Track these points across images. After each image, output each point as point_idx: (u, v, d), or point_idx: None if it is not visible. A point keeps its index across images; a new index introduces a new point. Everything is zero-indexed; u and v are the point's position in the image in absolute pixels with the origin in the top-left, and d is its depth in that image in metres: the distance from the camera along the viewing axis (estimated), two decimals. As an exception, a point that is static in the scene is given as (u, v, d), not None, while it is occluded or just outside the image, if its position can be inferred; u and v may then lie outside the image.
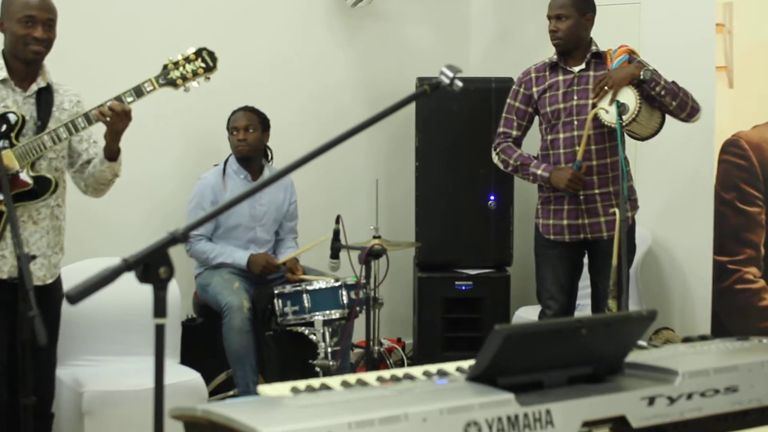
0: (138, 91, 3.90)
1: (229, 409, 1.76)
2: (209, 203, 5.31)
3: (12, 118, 3.81)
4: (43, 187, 3.86)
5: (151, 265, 1.90)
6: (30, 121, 3.87)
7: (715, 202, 4.81)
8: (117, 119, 3.85)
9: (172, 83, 3.98)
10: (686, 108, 4.72)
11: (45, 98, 3.93)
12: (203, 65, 4.03)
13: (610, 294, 4.51)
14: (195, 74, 4.01)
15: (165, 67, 3.98)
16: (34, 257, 3.53)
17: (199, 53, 4.03)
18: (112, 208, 5.39)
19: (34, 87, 3.91)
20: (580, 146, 4.70)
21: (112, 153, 3.97)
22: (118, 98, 3.86)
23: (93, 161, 4.07)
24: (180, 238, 1.93)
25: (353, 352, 5.69)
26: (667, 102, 4.67)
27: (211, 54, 4.06)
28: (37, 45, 3.82)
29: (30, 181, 3.82)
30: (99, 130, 3.97)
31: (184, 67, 3.99)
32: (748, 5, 4.69)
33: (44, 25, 3.83)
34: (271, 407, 1.84)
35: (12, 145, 3.80)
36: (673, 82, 4.69)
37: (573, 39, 4.81)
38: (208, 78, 4.07)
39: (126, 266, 1.88)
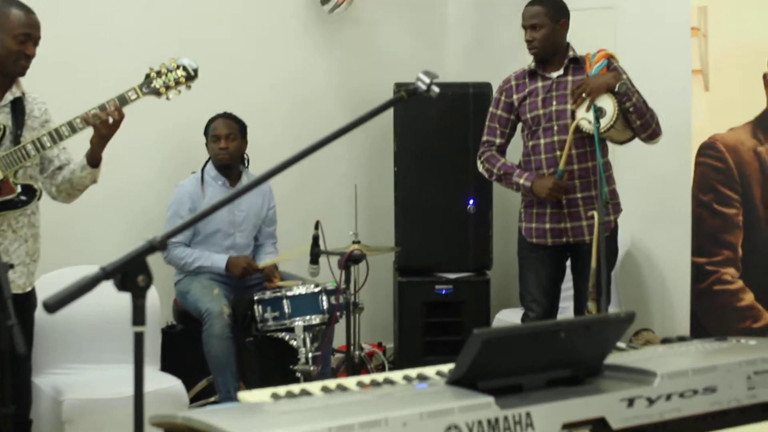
0: (122, 99, 3.95)
1: (209, 416, 1.76)
2: (187, 211, 5.29)
3: None
4: (28, 196, 3.90)
5: (129, 274, 1.89)
6: (6, 131, 3.88)
7: (692, 204, 4.83)
8: (107, 125, 3.89)
9: (156, 92, 4.06)
10: (648, 129, 4.72)
11: (18, 107, 3.95)
12: (185, 74, 4.12)
13: (590, 296, 4.52)
14: (177, 83, 4.09)
15: (147, 76, 4.04)
16: (11, 266, 3.53)
17: (181, 65, 4.12)
18: (90, 217, 5.39)
19: (9, 96, 3.93)
20: (562, 152, 4.70)
21: (94, 160, 4.01)
22: (102, 107, 3.89)
23: (68, 167, 4.09)
24: (158, 246, 1.92)
25: (334, 357, 5.69)
26: (633, 119, 4.66)
27: (192, 66, 4.16)
28: (27, 61, 3.89)
29: (18, 189, 3.86)
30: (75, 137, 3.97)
31: (166, 75, 4.06)
32: (722, 9, 4.72)
33: (35, 43, 3.91)
34: (252, 413, 1.84)
35: None
36: (644, 101, 4.69)
37: (549, 47, 4.81)
38: (189, 87, 4.14)
39: (104, 275, 1.88)
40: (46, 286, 4.52)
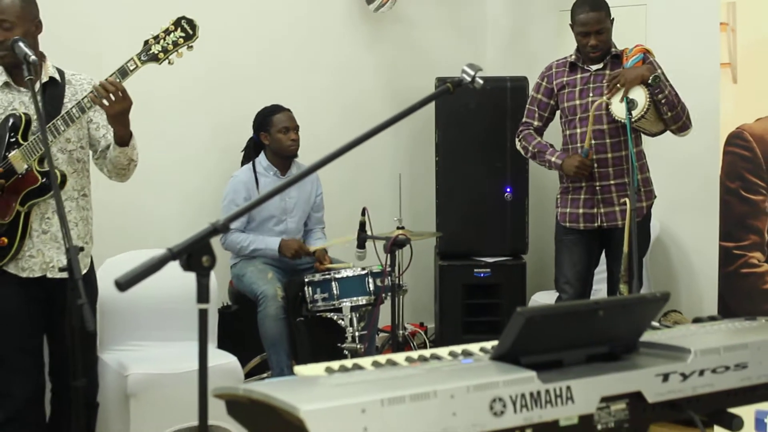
0: (122, 72, 3.63)
1: (268, 388, 1.77)
2: (242, 199, 5.31)
3: (16, 119, 3.69)
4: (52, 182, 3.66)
5: (194, 255, 1.90)
6: (31, 120, 3.70)
7: (720, 192, 4.79)
8: (112, 101, 3.59)
9: (154, 58, 3.66)
10: (678, 122, 4.72)
11: (51, 92, 3.74)
12: (183, 35, 3.68)
13: (622, 279, 4.51)
14: (176, 45, 3.67)
15: (146, 42, 3.67)
16: (82, 249, 3.52)
17: (178, 23, 3.69)
18: (146, 202, 5.42)
19: (38, 84, 3.62)
20: (596, 141, 4.71)
21: (121, 138, 3.75)
22: (101, 84, 3.61)
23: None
24: (221, 228, 1.94)
25: (379, 336, 5.70)
26: (664, 111, 4.65)
27: (190, 22, 3.70)
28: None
29: (41, 178, 3.68)
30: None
31: (164, 39, 3.66)
32: (750, 5, 4.66)
33: (2, 27, 3.63)
34: (308, 386, 1.85)
35: (19, 145, 3.67)
36: (676, 94, 4.67)
37: (608, 46, 4.85)
38: (191, 47, 3.71)
39: (171, 255, 1.89)
40: (111, 269, 4.58)
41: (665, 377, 1.99)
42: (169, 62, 3.71)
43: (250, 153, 5.51)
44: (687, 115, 4.73)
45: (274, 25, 6.03)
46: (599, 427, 1.92)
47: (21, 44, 3.49)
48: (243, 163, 5.51)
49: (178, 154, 5.61)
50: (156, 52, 3.66)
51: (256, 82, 5.85)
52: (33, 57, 3.43)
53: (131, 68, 3.64)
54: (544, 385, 1.86)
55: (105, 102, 3.60)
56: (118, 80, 3.61)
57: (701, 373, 2.04)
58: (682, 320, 5.53)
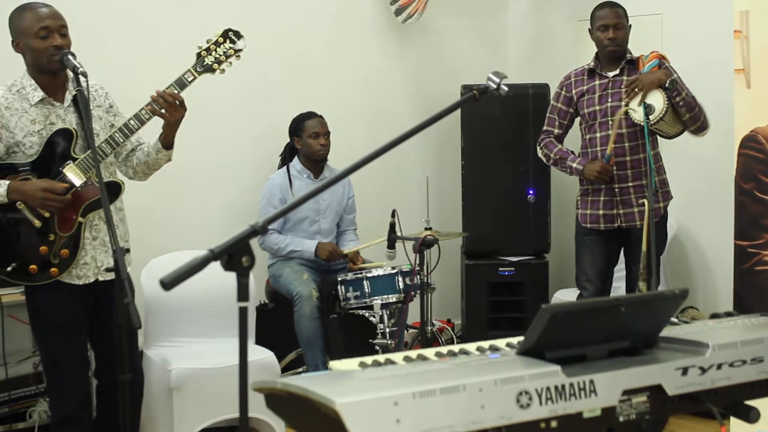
0: (180, 83, 3.69)
1: (305, 381, 1.77)
2: (278, 201, 5.33)
3: (65, 133, 3.63)
4: (112, 192, 3.69)
5: (235, 255, 1.90)
6: (78, 129, 3.66)
7: (735, 192, 4.74)
8: (172, 110, 3.66)
9: (209, 69, 3.74)
10: (697, 122, 4.69)
11: (81, 103, 3.62)
12: (231, 45, 3.77)
13: (641, 277, 4.49)
14: (227, 55, 3.76)
15: (199, 55, 3.74)
16: (128, 250, 3.54)
17: (225, 35, 3.78)
18: (187, 206, 5.45)
19: (68, 96, 3.68)
20: (615, 144, 4.69)
21: (167, 143, 3.80)
22: (160, 95, 3.66)
23: (142, 149, 3.89)
24: (260, 230, 1.94)
25: (408, 332, 5.69)
26: (683, 113, 4.63)
27: (237, 33, 3.80)
28: (60, 52, 3.55)
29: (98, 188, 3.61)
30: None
31: (215, 51, 3.74)
32: (762, 13, 4.62)
33: (59, 32, 3.57)
34: (343, 380, 1.85)
35: (73, 159, 3.61)
36: (693, 96, 4.64)
37: (625, 45, 4.82)
38: (239, 56, 3.80)
39: (213, 256, 1.89)
40: (155, 269, 4.61)
41: (684, 371, 1.98)
42: (221, 72, 3.77)
43: (286, 157, 5.53)
44: (705, 115, 4.71)
45: (308, 38, 6.05)
46: (621, 419, 1.91)
47: (70, 57, 3.49)
48: (280, 167, 5.53)
49: (218, 160, 5.64)
50: (210, 63, 3.73)
51: (291, 91, 5.87)
52: (82, 69, 3.43)
53: (189, 80, 3.70)
54: (569, 378, 1.85)
55: (164, 112, 3.65)
56: (176, 91, 3.65)
57: (719, 366, 2.02)
58: (699, 316, 5.48)
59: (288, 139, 5.54)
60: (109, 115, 3.80)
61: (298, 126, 5.47)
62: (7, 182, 3.51)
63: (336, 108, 5.92)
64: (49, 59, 3.55)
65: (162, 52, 5.18)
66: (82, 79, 3.42)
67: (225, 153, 5.68)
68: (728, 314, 2.51)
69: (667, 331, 2.15)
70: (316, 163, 5.45)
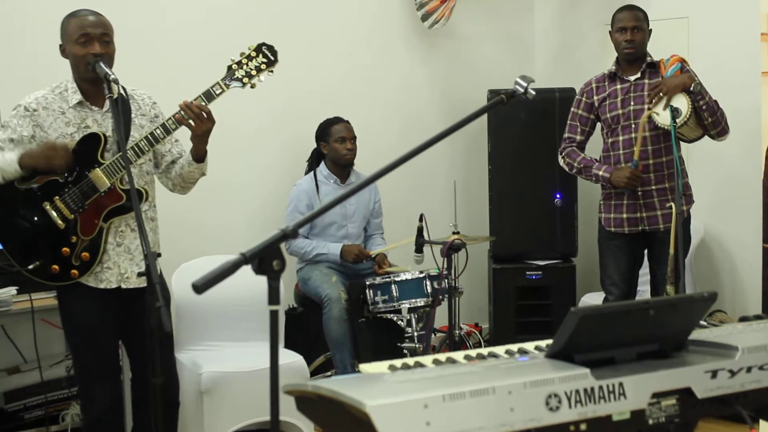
0: (208, 95, 3.64)
1: (336, 384, 1.77)
2: (305, 206, 5.34)
3: (95, 137, 3.62)
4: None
5: (266, 259, 1.91)
6: (112, 136, 3.62)
7: (763, 195, 4.71)
8: (198, 121, 3.61)
9: (239, 82, 3.69)
10: (718, 127, 4.66)
11: (122, 109, 3.62)
12: (265, 60, 3.71)
13: (668, 280, 4.46)
14: (259, 70, 3.71)
15: (229, 68, 3.69)
16: (159, 255, 3.54)
17: (258, 49, 3.72)
18: (216, 212, 5.48)
19: (107, 102, 3.61)
20: (638, 149, 4.66)
21: (199, 155, 3.75)
22: (187, 105, 3.62)
23: (178, 161, 3.86)
24: (290, 234, 1.94)
25: (435, 335, 5.69)
26: (705, 117, 4.60)
27: (271, 48, 3.73)
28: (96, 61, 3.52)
29: (123, 195, 3.63)
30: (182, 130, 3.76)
31: (247, 64, 3.69)
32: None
33: (99, 40, 3.54)
34: (373, 383, 1.85)
35: (99, 164, 3.60)
36: (715, 101, 4.62)
37: (643, 48, 4.80)
38: (272, 72, 3.74)
39: (244, 260, 1.89)
40: (186, 274, 4.63)
41: (714, 374, 1.97)
42: (252, 86, 3.73)
43: (313, 162, 5.55)
44: (725, 120, 4.68)
45: (336, 45, 6.07)
46: (650, 421, 1.90)
47: (101, 64, 3.50)
48: (307, 172, 5.54)
49: (247, 166, 5.66)
50: (240, 76, 3.68)
51: (319, 97, 5.89)
52: (114, 76, 3.45)
53: (217, 92, 3.65)
54: (598, 381, 1.84)
55: (192, 123, 3.63)
56: (203, 103, 3.62)
57: (749, 369, 2.01)
58: (727, 320, 5.44)
59: (315, 145, 5.56)
60: (152, 125, 3.73)
61: (324, 131, 5.48)
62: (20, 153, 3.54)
63: (364, 113, 5.94)
64: (86, 67, 3.55)
65: (189, 64, 5.23)
66: (114, 86, 3.44)
67: (253, 158, 5.70)
68: (757, 317, 2.49)
69: (695, 334, 2.14)
70: (342, 167, 5.46)
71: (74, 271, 3.63)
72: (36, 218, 3.61)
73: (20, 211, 3.61)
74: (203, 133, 3.67)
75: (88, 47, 3.54)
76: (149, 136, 3.62)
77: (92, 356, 3.71)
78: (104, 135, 3.63)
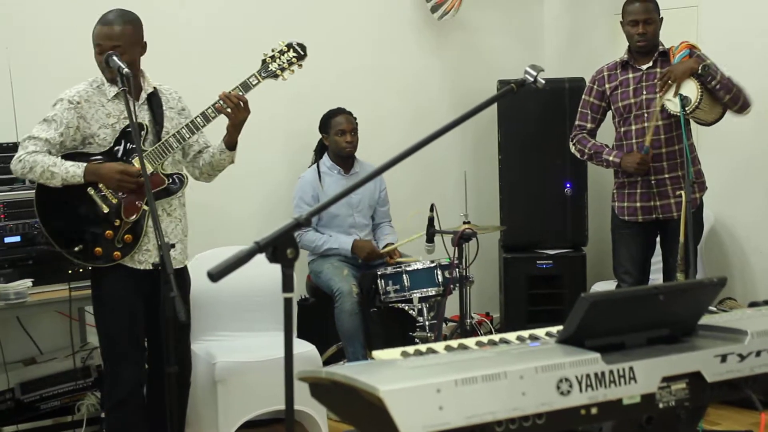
0: (245, 86, 3.93)
1: (349, 370, 1.79)
2: (310, 198, 5.34)
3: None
4: (177, 183, 3.91)
5: (280, 247, 1.93)
6: (149, 125, 3.87)
7: (773, 182, 4.72)
8: (236, 110, 3.87)
9: (273, 75, 4.01)
10: (738, 102, 4.65)
11: (155, 102, 3.92)
12: (295, 55, 4.04)
13: (679, 267, 4.46)
14: (290, 64, 4.04)
15: (264, 61, 4.00)
16: (173, 245, 3.61)
17: (290, 45, 4.05)
18: (227, 203, 5.49)
19: (143, 95, 3.89)
20: (649, 136, 4.67)
21: (231, 143, 4.01)
22: (227, 95, 3.89)
23: (208, 151, 4.09)
24: (303, 222, 1.96)
25: (447, 325, 5.70)
26: (721, 95, 4.59)
27: (300, 44, 4.07)
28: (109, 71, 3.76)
29: (167, 179, 3.88)
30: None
31: (280, 58, 4.01)
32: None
33: (100, 52, 3.76)
34: (386, 368, 1.87)
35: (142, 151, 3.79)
36: (729, 78, 4.60)
37: (655, 40, 4.79)
38: (301, 65, 4.08)
39: (258, 248, 1.91)
40: (200, 264, 4.64)
41: (723, 358, 1.99)
42: (284, 79, 4.04)
43: (318, 153, 5.56)
44: (745, 94, 4.65)
45: (346, 37, 6.07)
46: (660, 405, 1.92)
47: (114, 57, 3.64)
48: (313, 162, 5.54)
49: (256, 157, 5.64)
50: (274, 69, 4.01)
51: (328, 89, 5.89)
52: (126, 69, 3.57)
53: (253, 83, 3.95)
54: (608, 366, 1.86)
55: (230, 111, 3.88)
56: (241, 93, 3.89)
57: (758, 353, 2.02)
58: (737, 306, 5.44)
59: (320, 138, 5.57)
60: (181, 117, 3.99)
61: (325, 123, 5.48)
62: (85, 164, 3.74)
63: (374, 105, 5.95)
64: (103, 71, 3.80)
65: (201, 60, 5.28)
66: (126, 79, 3.56)
67: (264, 150, 5.70)
68: (767, 302, 2.50)
69: (705, 320, 2.16)
70: (344, 159, 5.47)
71: (117, 253, 3.81)
72: (80, 203, 3.79)
73: (64, 196, 3.78)
74: (240, 122, 3.94)
75: (104, 54, 3.74)
76: (190, 124, 3.87)
77: (123, 338, 3.84)
78: (146, 125, 3.85)
